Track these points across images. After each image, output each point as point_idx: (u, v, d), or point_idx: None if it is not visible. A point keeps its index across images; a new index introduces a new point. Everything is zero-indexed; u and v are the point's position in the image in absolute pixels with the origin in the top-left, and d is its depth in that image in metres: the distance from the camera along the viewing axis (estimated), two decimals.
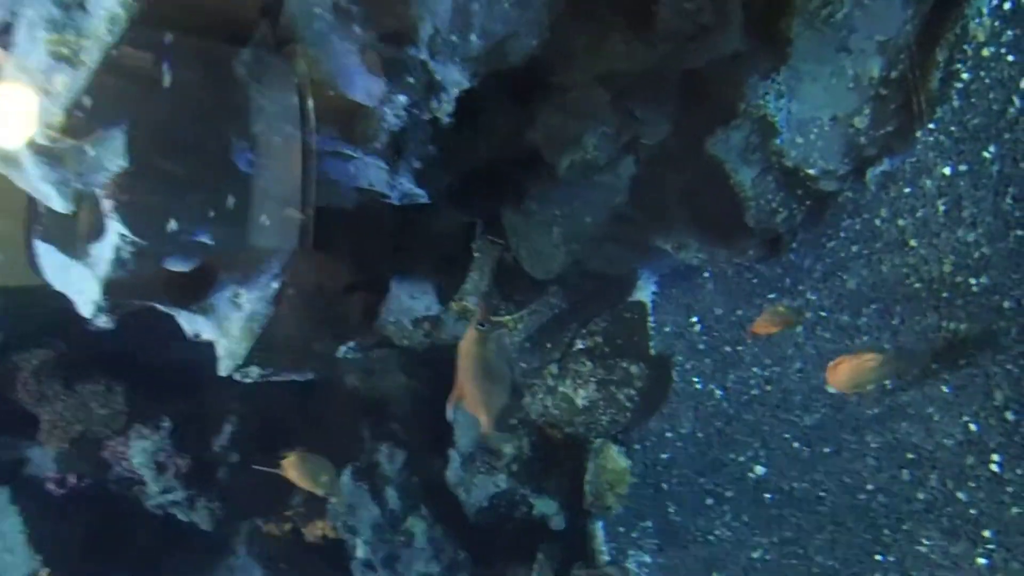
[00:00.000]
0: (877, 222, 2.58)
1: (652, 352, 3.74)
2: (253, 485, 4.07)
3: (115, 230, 2.37)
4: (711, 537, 3.31)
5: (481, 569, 3.92)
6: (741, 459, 3.20)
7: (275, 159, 2.47)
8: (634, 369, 3.66)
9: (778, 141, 2.66)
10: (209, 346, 2.71)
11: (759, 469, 3.11)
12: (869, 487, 2.61)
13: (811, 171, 2.63)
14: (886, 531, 2.53)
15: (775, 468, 3.02)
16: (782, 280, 2.98)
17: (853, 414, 2.67)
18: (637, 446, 3.75)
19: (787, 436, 2.97)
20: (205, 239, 2.47)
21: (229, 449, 3.95)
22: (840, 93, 2.39)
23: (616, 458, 3.87)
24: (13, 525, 3.81)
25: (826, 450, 2.79)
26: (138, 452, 3.84)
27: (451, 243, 3.28)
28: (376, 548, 3.93)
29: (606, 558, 3.89)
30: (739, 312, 3.21)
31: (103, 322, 2.55)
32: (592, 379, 3.73)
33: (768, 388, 3.07)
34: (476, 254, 3.71)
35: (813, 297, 2.84)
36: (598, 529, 3.95)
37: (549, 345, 3.90)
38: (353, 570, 4.01)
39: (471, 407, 2.10)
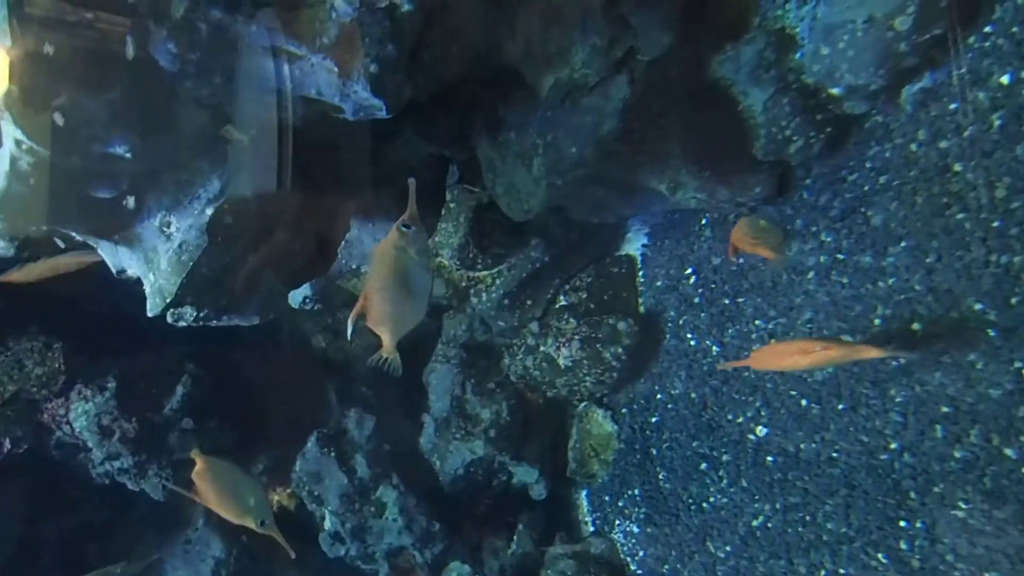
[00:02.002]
0: (913, 147, 2.15)
1: (641, 309, 3.32)
2: (210, 450, 3.62)
3: (10, 134, 1.87)
4: (705, 505, 2.91)
5: (456, 541, 3.54)
6: (740, 420, 2.79)
7: (210, 56, 1.96)
8: (621, 326, 3.24)
9: (798, 56, 2.21)
10: None
11: (760, 430, 2.70)
12: (892, 446, 2.21)
13: (835, 90, 2.19)
14: (912, 495, 2.14)
15: (779, 429, 2.62)
16: (792, 221, 2.56)
17: (873, 366, 2.27)
18: (624, 409, 3.34)
19: (793, 393, 2.56)
20: (122, 151, 1.96)
21: (181, 413, 3.47)
22: None
23: (601, 422, 3.47)
24: None
25: (840, 407, 2.38)
26: (80, 415, 3.37)
27: (418, 179, 2.80)
28: (344, 519, 3.55)
29: (590, 529, 3.51)
30: (740, 261, 2.78)
31: (1, 248, 2.05)
32: (576, 337, 3.31)
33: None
34: (451, 204, 3.26)
35: (828, 239, 2.41)
36: (582, 498, 3.57)
37: (529, 302, 3.48)
38: (321, 542, 3.59)
39: (374, 322, 1.66)
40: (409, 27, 1.98)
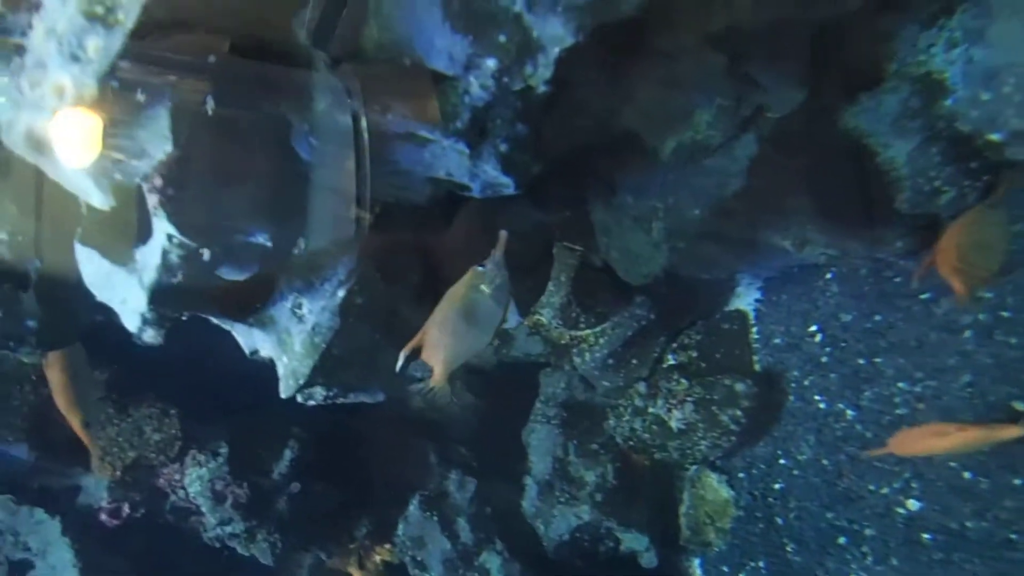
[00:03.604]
0: None
1: (757, 367, 3.13)
2: (315, 515, 3.61)
3: (162, 230, 1.91)
4: None
5: None
6: (885, 491, 2.53)
7: (342, 144, 1.98)
8: (739, 387, 3.04)
9: (949, 102, 2.04)
10: (267, 364, 2.24)
11: (912, 504, 2.44)
12: None
13: (996, 136, 2.00)
14: None
15: (936, 503, 2.36)
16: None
17: None
18: (741, 474, 3.11)
19: (953, 465, 2.30)
20: (263, 240, 1.98)
21: (289, 477, 3.49)
22: None
23: (716, 487, 3.25)
24: (64, 558, 3.45)
25: (1016, 482, 2.12)
26: (194, 480, 3.41)
27: (528, 247, 2.75)
28: None
29: None
30: (877, 318, 2.56)
31: (150, 336, 2.08)
32: (688, 399, 3.14)
33: (920, 407, 2.42)
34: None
35: (988, 295, 2.19)
36: (694, 567, 3.33)
37: (635, 361, 3.33)
38: None
39: (428, 353, 1.60)
40: (539, 105, 1.94)
